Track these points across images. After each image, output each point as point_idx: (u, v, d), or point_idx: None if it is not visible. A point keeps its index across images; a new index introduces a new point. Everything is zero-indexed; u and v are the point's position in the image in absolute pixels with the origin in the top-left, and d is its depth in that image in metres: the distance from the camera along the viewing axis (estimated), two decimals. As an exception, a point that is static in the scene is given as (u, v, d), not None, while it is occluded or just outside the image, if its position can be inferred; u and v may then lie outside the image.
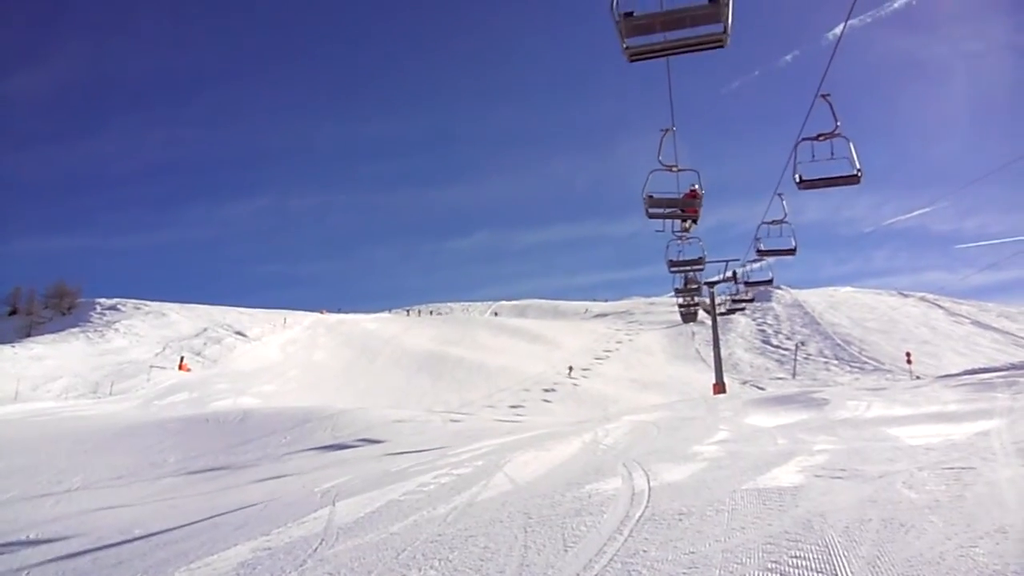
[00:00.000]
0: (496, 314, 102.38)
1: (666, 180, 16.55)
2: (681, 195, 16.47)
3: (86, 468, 16.63)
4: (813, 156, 13.97)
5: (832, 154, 13.88)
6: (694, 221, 19.10)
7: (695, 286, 34.06)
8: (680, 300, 36.66)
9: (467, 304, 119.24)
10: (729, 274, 33.24)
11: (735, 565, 4.57)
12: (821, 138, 13.62)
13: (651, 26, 8.26)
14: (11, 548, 9.31)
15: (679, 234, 21.45)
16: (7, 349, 47.46)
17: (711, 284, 35.21)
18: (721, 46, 8.44)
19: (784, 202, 17.44)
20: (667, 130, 13.84)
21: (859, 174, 13.98)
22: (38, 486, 14.63)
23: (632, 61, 8.88)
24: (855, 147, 13.72)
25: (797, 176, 14.41)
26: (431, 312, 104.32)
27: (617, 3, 8.01)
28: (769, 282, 33.59)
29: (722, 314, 39.43)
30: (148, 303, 69.82)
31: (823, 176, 14.43)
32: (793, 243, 20.81)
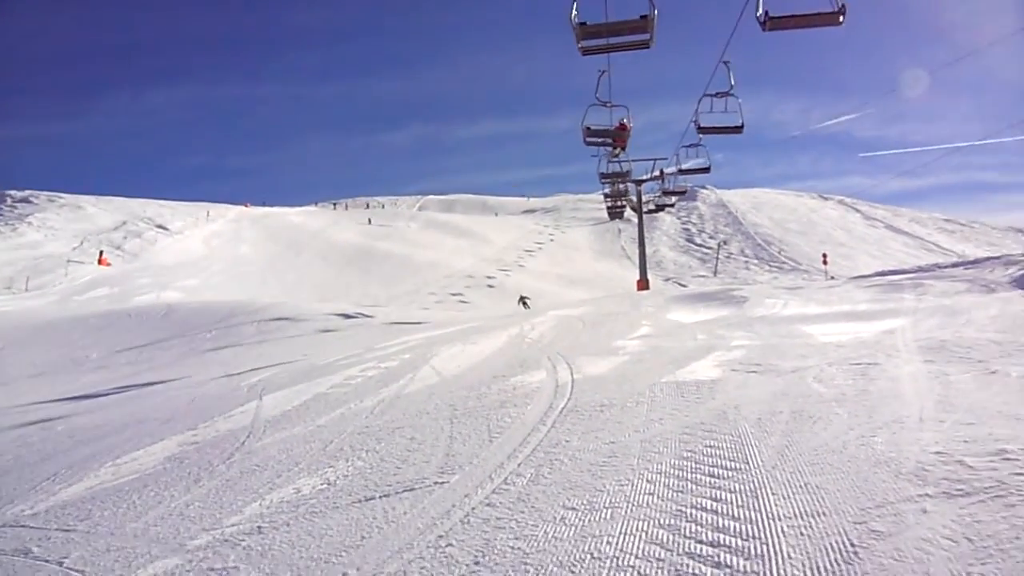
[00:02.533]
0: (422, 209, 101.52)
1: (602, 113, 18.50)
2: (613, 127, 19.29)
3: (4, 364, 16.31)
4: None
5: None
6: (623, 148, 23.01)
7: (622, 183, 34.36)
8: (607, 190, 36.91)
9: (395, 198, 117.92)
10: (656, 173, 33.49)
11: (653, 454, 4.78)
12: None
13: (598, 32, 11.37)
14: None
15: (610, 157, 26.49)
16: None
17: (638, 183, 35.43)
18: (647, 47, 11.70)
19: (731, 72, 16.59)
20: (603, 72, 15.80)
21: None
22: (-48, 381, 14.30)
23: (584, 55, 11.98)
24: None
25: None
26: (366, 206, 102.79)
27: (575, 15, 11.05)
28: (683, 192, 34.57)
29: (648, 212, 39.80)
30: (63, 195, 67.13)
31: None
32: (740, 120, 21.50)
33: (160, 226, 60.16)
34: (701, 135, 18.67)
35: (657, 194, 37.40)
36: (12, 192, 67.78)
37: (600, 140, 20.79)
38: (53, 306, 30.80)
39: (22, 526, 5.21)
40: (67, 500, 5.71)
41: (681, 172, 26.99)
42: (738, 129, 17.31)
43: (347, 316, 21.45)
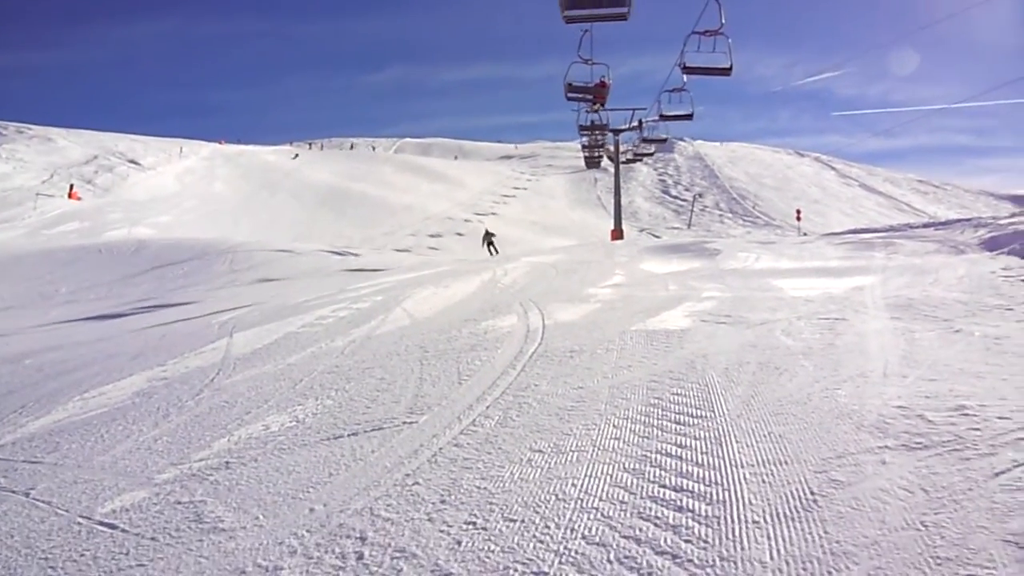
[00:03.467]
0: (398, 151, 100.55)
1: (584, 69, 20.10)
2: (593, 84, 21.04)
3: (-32, 295, 16.08)
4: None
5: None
6: (602, 105, 24.79)
7: (600, 135, 34.38)
8: (586, 140, 37.03)
9: (372, 140, 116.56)
10: (635, 123, 33.40)
11: (620, 400, 4.83)
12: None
13: (582, 2, 12.95)
14: None
15: (589, 111, 28.62)
16: None
17: (616, 132, 35.28)
18: (625, 19, 13.24)
19: (722, 9, 16.19)
20: (586, 31, 16.89)
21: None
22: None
23: (567, 23, 13.80)
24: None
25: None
26: (340, 148, 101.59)
27: None
28: (663, 141, 34.56)
29: (625, 162, 39.73)
30: (32, 127, 65.69)
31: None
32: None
33: (132, 161, 59.25)
34: (687, 75, 18.43)
35: (635, 144, 37.32)
36: (-22, 122, 66.29)
37: (581, 96, 22.29)
38: (21, 239, 30.40)
39: (-12, 457, 5.19)
40: (34, 432, 5.68)
41: (663, 118, 26.33)
42: (726, 71, 16.96)
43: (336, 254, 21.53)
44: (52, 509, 3.98)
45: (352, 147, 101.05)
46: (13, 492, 4.34)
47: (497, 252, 24.92)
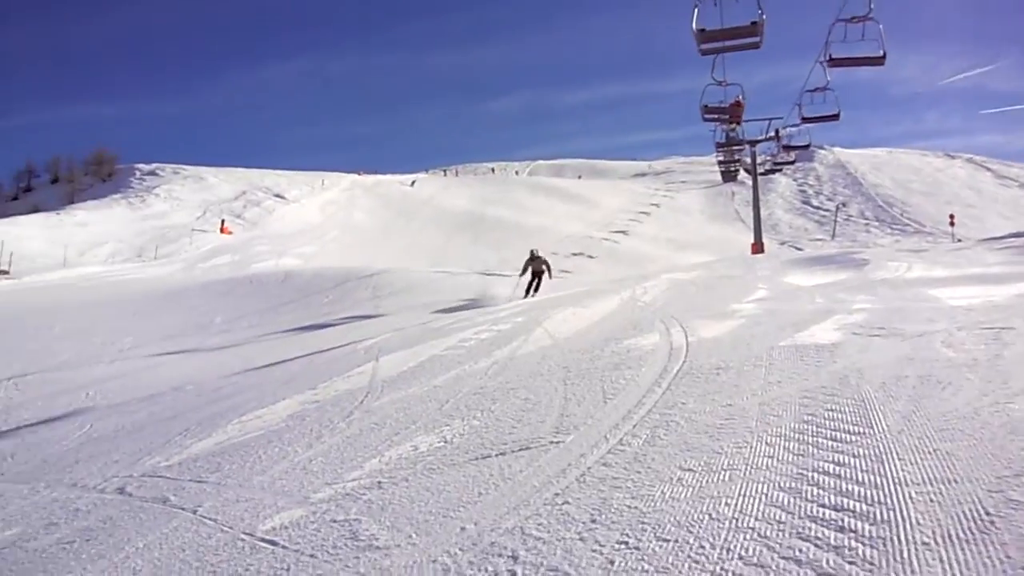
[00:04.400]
0: (532, 174, 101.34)
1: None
2: (728, 104, 21.95)
3: (135, 330, 17.19)
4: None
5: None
6: (738, 123, 26.93)
7: (737, 144, 33.75)
8: (722, 156, 36.55)
9: (505, 164, 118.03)
10: (772, 133, 32.52)
11: (772, 417, 4.67)
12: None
13: (715, 37, 13.46)
14: (72, 406, 9.81)
15: (726, 129, 29.92)
16: (52, 216, 48.24)
17: (753, 143, 34.43)
18: (758, 48, 13.63)
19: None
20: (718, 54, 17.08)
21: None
22: (92, 347, 15.19)
23: (703, 55, 14.46)
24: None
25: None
26: (475, 173, 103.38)
27: (695, 22, 13.05)
28: (806, 146, 33.38)
29: (763, 173, 38.75)
30: (186, 167, 69.91)
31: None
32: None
33: (278, 195, 61.95)
34: (833, 68, 17.33)
35: (773, 154, 36.41)
36: (140, 165, 71.14)
37: (717, 117, 23.82)
38: (179, 273, 32.29)
39: (159, 476, 5.52)
40: (198, 454, 6.02)
41: (805, 121, 24.39)
42: (879, 60, 15.84)
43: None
44: (218, 526, 4.20)
45: (493, 171, 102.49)
46: (182, 509, 4.60)
47: (536, 289, 16.40)
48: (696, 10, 13.95)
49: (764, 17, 13.61)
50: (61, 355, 14.38)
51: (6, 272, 31.44)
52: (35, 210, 55.92)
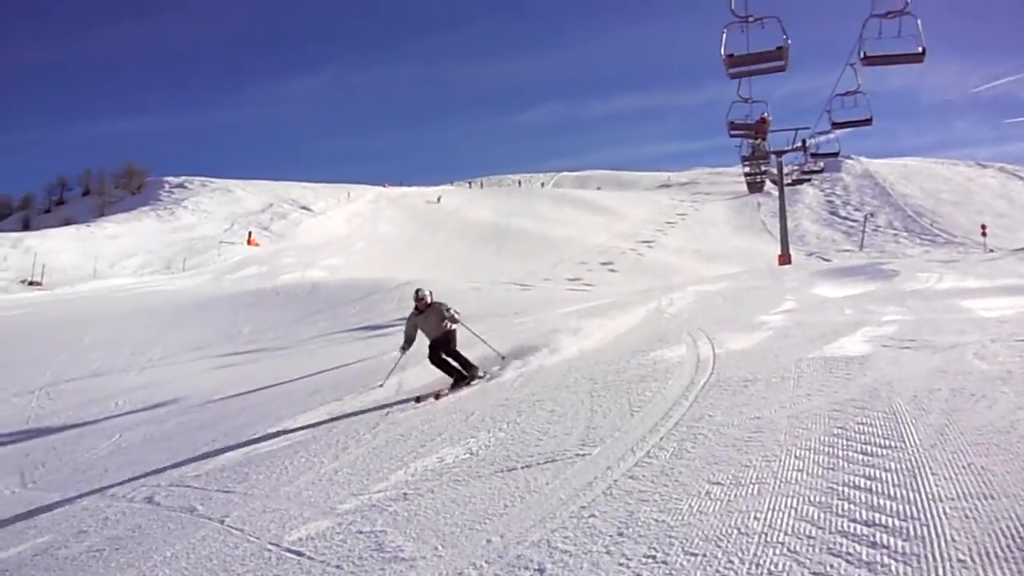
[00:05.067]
0: (556, 186, 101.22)
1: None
2: (754, 120, 22.53)
3: (164, 340, 17.34)
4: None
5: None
6: (763, 139, 27.49)
7: (763, 156, 33.63)
8: (748, 168, 36.41)
9: (529, 176, 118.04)
10: (798, 144, 32.24)
11: (801, 430, 4.61)
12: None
13: (743, 61, 14.19)
14: (102, 414, 9.90)
15: (752, 143, 29.68)
16: (83, 229, 48.84)
17: (779, 153, 34.16)
18: (783, 71, 14.31)
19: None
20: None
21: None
22: (121, 358, 15.34)
23: (732, 78, 15.58)
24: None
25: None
26: (500, 185, 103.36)
27: (724, 48, 13.88)
28: (835, 154, 32.69)
29: (790, 184, 38.43)
30: (214, 180, 70.52)
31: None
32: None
33: (304, 207, 62.32)
34: (867, 66, 16.13)
35: (801, 163, 36.13)
36: (169, 178, 71.87)
37: (743, 133, 24.24)
38: (208, 285, 32.51)
39: (187, 486, 5.56)
40: (225, 464, 6.06)
41: (836, 127, 23.11)
42: (918, 57, 14.62)
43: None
44: (244, 536, 4.21)
45: (520, 184, 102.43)
46: (210, 519, 4.62)
47: (460, 369, 8.45)
48: (725, 35, 14.13)
49: (789, 42, 13.75)
50: (91, 365, 14.53)
51: (39, 283, 31.88)
52: (67, 222, 56.69)
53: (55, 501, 5.93)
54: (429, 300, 8.59)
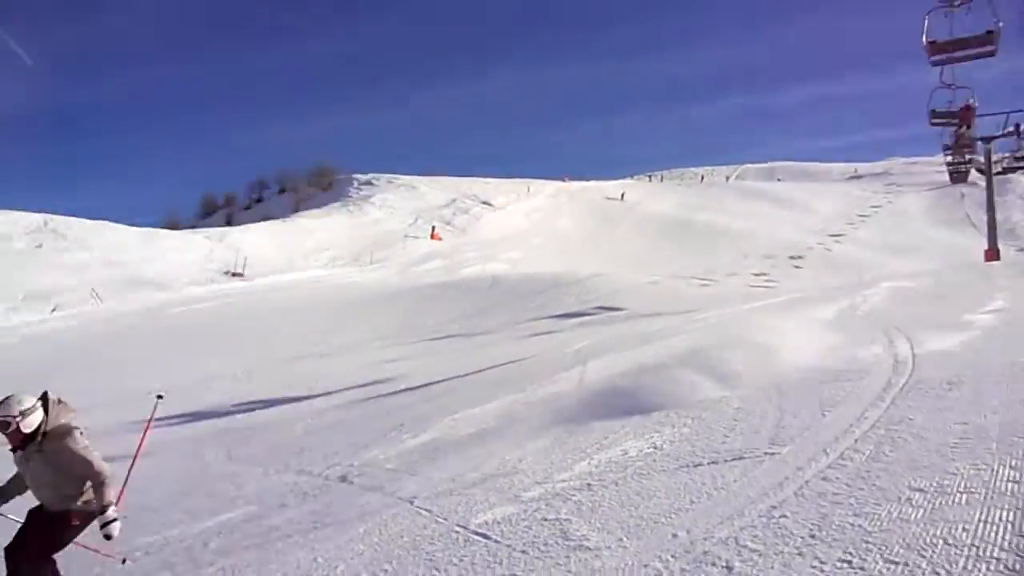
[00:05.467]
0: (740, 178, 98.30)
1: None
2: (958, 108, 21.82)
3: (353, 329, 18.30)
4: None
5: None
6: (968, 127, 25.64)
7: (967, 144, 31.43)
8: (950, 156, 34.15)
9: (712, 168, 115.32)
10: (1010, 128, 29.76)
11: (1016, 438, 4.23)
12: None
13: (947, 48, 13.50)
14: (296, 395, 10.54)
15: (956, 131, 28.20)
16: (280, 224, 52.05)
17: (987, 140, 31.65)
18: (992, 56, 13.71)
19: None
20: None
21: None
22: (313, 346, 16.27)
23: (934, 66, 15.09)
24: None
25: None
26: (681, 179, 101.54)
27: (926, 35, 13.23)
28: None
29: (999, 173, 35.53)
30: (400, 177, 73.22)
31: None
32: None
33: (485, 202, 63.56)
34: None
35: (1012, 152, 33.45)
36: (358, 176, 75.25)
37: (945, 122, 23.66)
38: (393, 277, 33.83)
39: (377, 467, 5.85)
40: (412, 448, 6.30)
41: None
42: None
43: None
44: (432, 517, 4.36)
45: (703, 179, 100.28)
46: (400, 499, 4.82)
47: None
48: (927, 21, 13.53)
49: (1001, 25, 12.90)
50: (286, 350, 15.49)
51: (241, 275, 34.25)
52: (265, 218, 60.50)
53: (258, 475, 6.37)
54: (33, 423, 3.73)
